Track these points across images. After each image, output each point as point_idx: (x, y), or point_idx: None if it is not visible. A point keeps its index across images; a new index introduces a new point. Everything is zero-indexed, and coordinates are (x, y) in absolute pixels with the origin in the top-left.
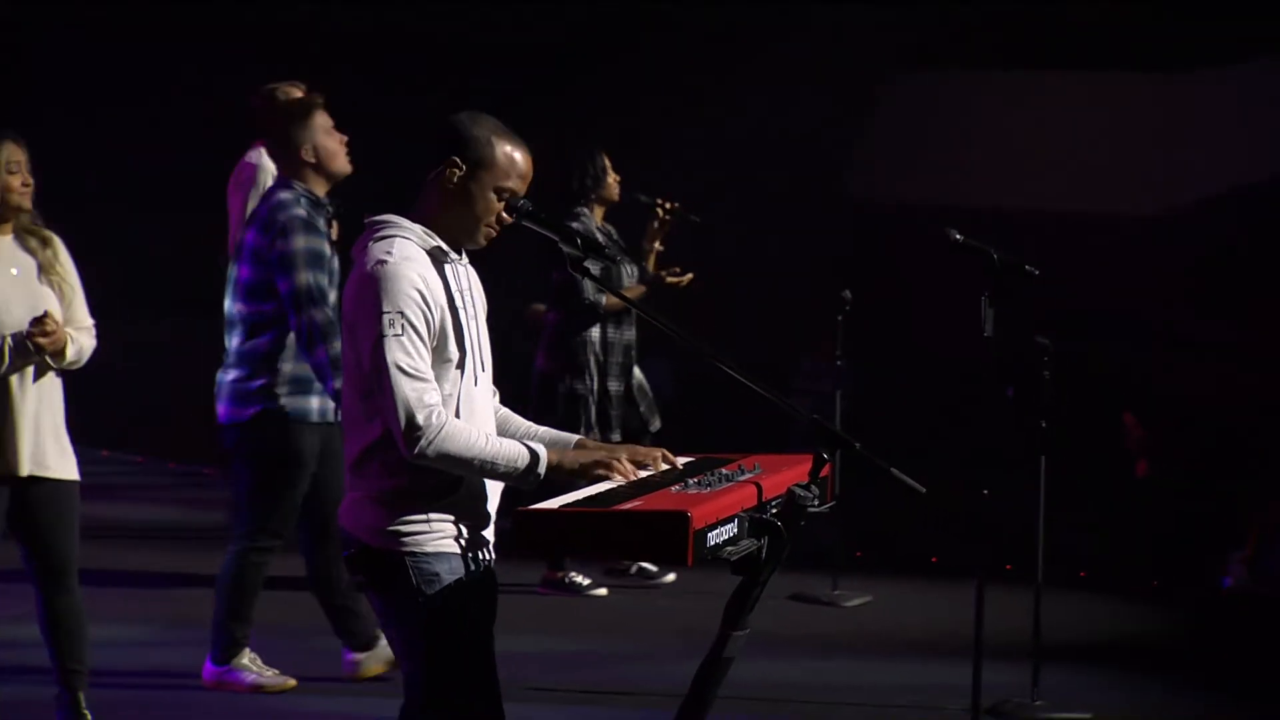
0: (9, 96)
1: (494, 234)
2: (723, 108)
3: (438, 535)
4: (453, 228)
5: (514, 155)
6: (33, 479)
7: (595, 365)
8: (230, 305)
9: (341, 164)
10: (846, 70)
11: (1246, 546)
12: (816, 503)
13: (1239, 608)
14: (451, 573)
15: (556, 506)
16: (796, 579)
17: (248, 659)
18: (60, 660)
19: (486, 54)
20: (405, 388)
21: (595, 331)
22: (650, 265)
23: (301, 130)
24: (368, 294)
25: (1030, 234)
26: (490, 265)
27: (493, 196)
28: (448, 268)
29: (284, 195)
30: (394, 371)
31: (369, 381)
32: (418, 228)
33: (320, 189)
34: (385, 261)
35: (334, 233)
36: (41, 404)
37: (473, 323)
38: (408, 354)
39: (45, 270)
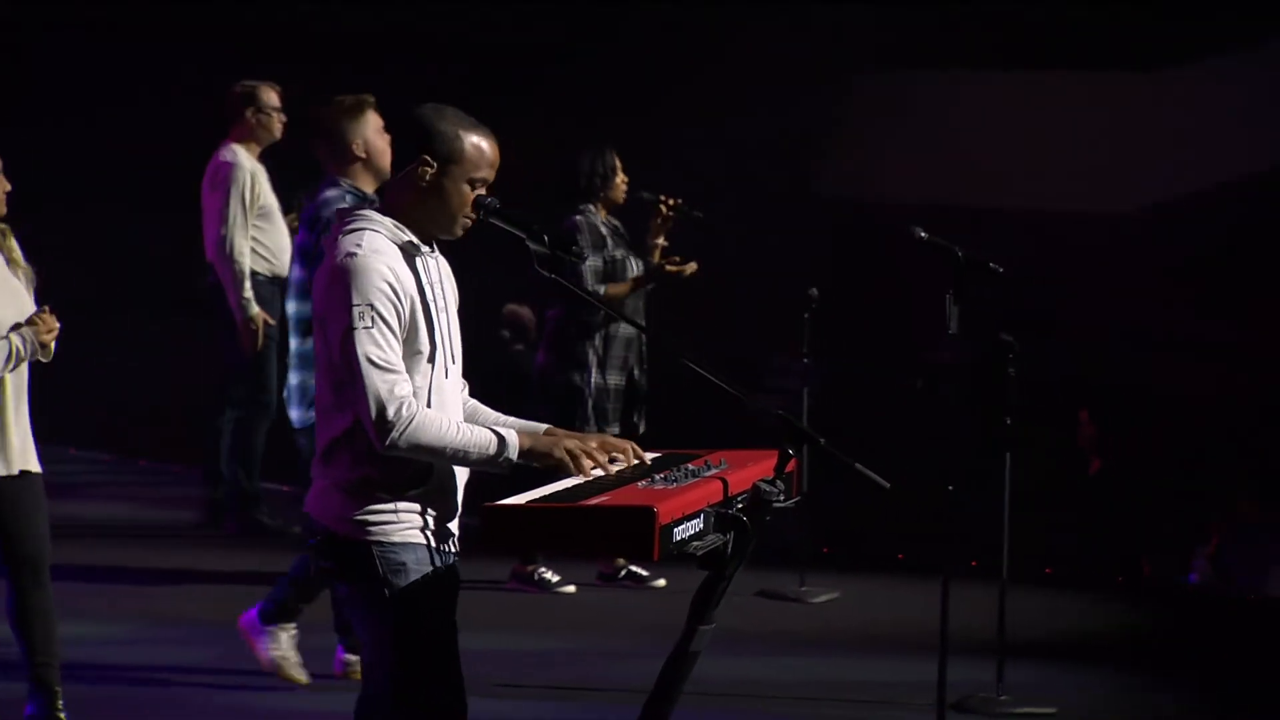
0: (9, 96)
1: (470, 224)
2: (723, 107)
3: (405, 525)
4: (427, 221)
5: (481, 145)
6: (22, 473)
7: (594, 359)
8: (288, 307)
9: (389, 162)
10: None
11: (1211, 543)
12: (782, 498)
13: (1204, 603)
14: (418, 563)
15: (523, 502)
16: (763, 575)
17: (288, 634)
18: (33, 656)
19: (487, 54)
20: (376, 380)
21: (596, 325)
22: (656, 260)
23: (355, 127)
24: (337, 286)
25: (1031, 233)
26: (467, 261)
27: (466, 188)
28: (418, 260)
29: (331, 193)
30: (365, 364)
31: (340, 373)
32: (388, 221)
33: (368, 186)
34: (354, 254)
35: None
36: (22, 398)
37: (443, 315)
38: (378, 346)
39: (11, 263)
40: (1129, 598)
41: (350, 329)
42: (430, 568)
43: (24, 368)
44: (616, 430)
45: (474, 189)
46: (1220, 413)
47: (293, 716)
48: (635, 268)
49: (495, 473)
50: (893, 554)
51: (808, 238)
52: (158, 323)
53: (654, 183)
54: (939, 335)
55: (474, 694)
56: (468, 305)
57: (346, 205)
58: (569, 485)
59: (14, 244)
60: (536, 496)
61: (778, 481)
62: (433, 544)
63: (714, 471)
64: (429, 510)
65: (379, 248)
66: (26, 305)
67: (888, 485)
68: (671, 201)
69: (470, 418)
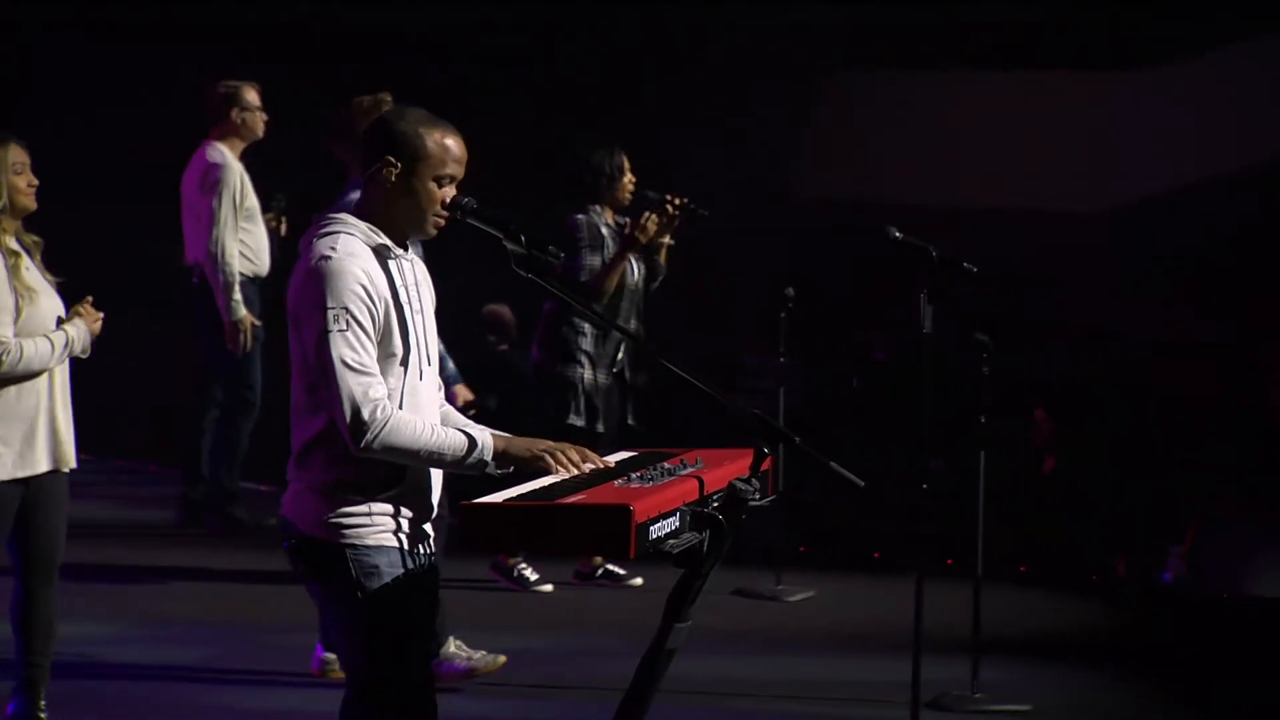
0: (9, 96)
1: (443, 222)
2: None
3: (378, 528)
4: (400, 222)
5: (445, 142)
6: (53, 471)
7: (587, 355)
8: None
9: None
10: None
11: (1185, 541)
12: (757, 496)
13: (1179, 602)
14: (391, 566)
15: (500, 500)
16: (740, 574)
17: (454, 647)
18: (28, 655)
19: (487, 54)
20: (351, 382)
21: (589, 323)
22: (661, 259)
23: None
24: (312, 290)
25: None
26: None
27: (433, 186)
28: (393, 263)
29: (357, 194)
30: (339, 367)
31: (314, 375)
32: (363, 224)
33: None
34: (329, 257)
35: (283, 228)
36: (66, 395)
37: (418, 318)
38: (353, 349)
39: (42, 274)
40: (1104, 596)
41: (325, 332)
42: (403, 570)
43: (65, 366)
44: (603, 429)
45: (441, 186)
46: (1198, 411)
47: (279, 715)
48: (634, 270)
49: (470, 475)
50: (869, 553)
51: (807, 237)
52: (157, 323)
53: (653, 181)
54: (876, 335)
55: (450, 692)
56: (461, 305)
57: None
58: (546, 484)
59: (38, 258)
60: (514, 495)
61: (753, 480)
62: (406, 546)
63: (690, 470)
64: (403, 512)
65: (353, 251)
66: (60, 305)
67: (862, 484)
68: (678, 201)
69: (443, 422)
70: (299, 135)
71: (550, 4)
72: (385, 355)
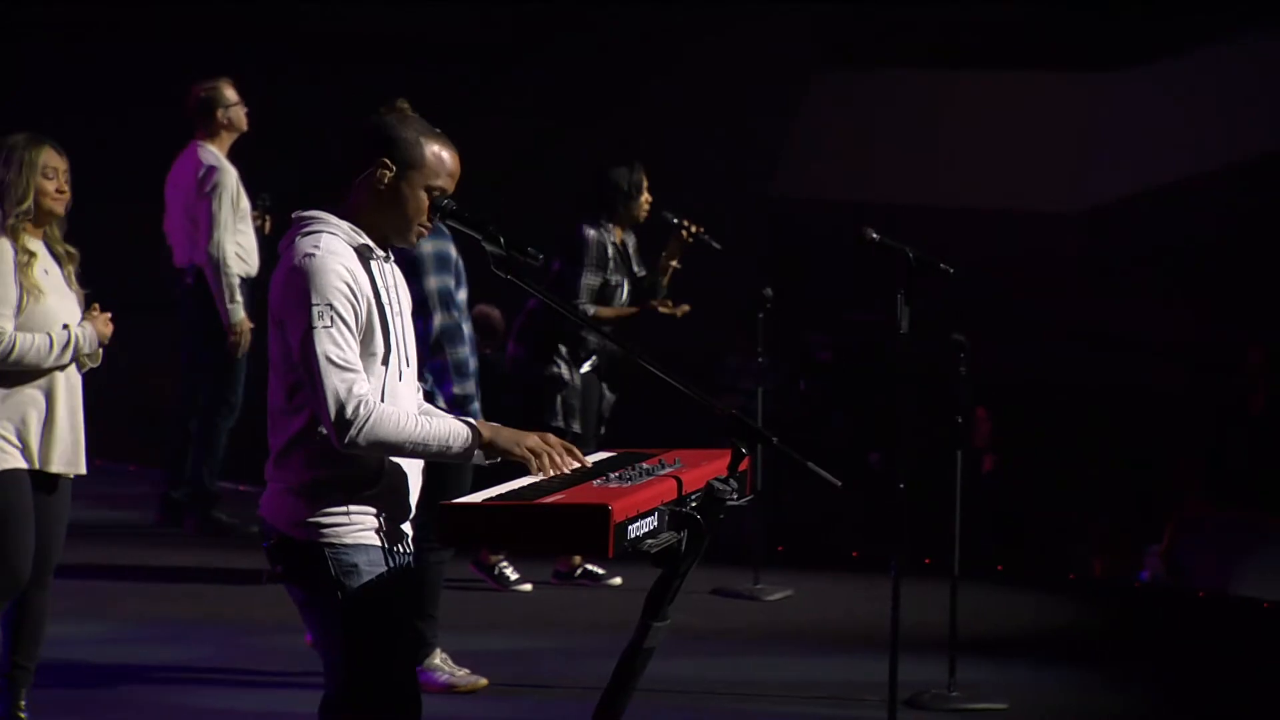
0: (9, 96)
1: (425, 233)
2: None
3: (357, 527)
4: (383, 226)
5: (442, 154)
6: (56, 475)
7: (566, 354)
8: (427, 283)
9: None
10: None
11: (1163, 541)
12: (735, 496)
13: (1156, 600)
14: (370, 565)
15: (479, 500)
16: (718, 573)
17: (439, 659)
18: (14, 656)
19: (487, 54)
20: (335, 378)
21: (570, 321)
22: (665, 281)
23: None
24: (295, 287)
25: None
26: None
27: (423, 195)
28: (373, 264)
29: None
30: (324, 363)
31: (297, 373)
32: (345, 224)
33: None
34: (312, 255)
35: (267, 227)
36: (76, 401)
37: (398, 319)
38: (337, 345)
39: (68, 282)
40: (1081, 595)
41: (310, 328)
42: (383, 569)
43: (77, 374)
44: (579, 428)
45: (431, 196)
46: (1178, 410)
47: (261, 716)
48: (624, 294)
49: (454, 464)
50: (846, 551)
51: (806, 238)
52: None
53: (652, 181)
54: (819, 335)
55: (430, 692)
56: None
57: None
58: (525, 484)
59: (73, 271)
60: (493, 495)
61: (731, 480)
62: (385, 545)
63: (668, 470)
64: (382, 512)
65: (335, 249)
66: (77, 314)
67: (839, 484)
68: (694, 229)
69: None
70: (288, 133)
71: (545, 3)
72: (366, 354)
